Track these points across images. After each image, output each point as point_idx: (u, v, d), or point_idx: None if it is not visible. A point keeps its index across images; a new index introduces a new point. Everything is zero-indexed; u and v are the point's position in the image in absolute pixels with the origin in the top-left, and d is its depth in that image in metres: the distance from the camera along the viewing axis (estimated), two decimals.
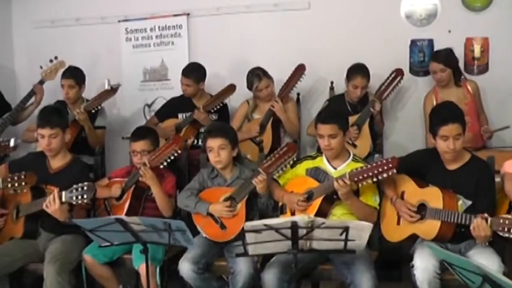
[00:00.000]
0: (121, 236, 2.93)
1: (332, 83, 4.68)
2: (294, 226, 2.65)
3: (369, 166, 3.13)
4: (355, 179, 3.12)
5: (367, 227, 2.71)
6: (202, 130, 4.42)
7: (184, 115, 4.52)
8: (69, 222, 3.37)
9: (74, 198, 3.17)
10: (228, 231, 3.32)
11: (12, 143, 3.85)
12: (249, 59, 4.82)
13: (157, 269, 3.28)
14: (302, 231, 2.70)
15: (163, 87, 5.08)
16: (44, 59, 4.89)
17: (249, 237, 2.68)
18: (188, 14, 4.98)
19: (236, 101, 4.62)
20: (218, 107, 4.34)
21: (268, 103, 4.37)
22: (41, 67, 4.75)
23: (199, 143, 4.44)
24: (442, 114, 3.14)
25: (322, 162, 3.41)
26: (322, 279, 3.33)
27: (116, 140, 5.01)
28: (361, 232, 2.72)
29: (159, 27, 5.03)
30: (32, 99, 4.68)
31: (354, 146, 4.17)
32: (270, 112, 4.28)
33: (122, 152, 4.78)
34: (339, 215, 3.28)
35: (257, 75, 4.28)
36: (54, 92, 4.86)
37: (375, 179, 3.12)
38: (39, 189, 3.51)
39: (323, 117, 3.34)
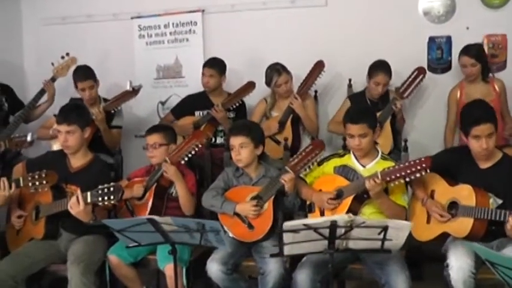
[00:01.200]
0: (150, 236, 2.86)
1: (350, 80, 4.62)
2: (333, 226, 2.59)
3: (401, 166, 3.09)
4: (387, 178, 3.08)
5: (406, 226, 2.67)
6: (220, 128, 4.35)
7: (201, 113, 4.45)
8: (93, 223, 3.31)
9: (100, 199, 3.10)
10: (255, 231, 3.26)
11: (29, 138, 3.80)
12: (264, 56, 4.74)
13: (184, 270, 3.21)
14: (340, 231, 2.64)
15: (178, 85, 5.00)
16: (54, 57, 4.81)
17: (287, 237, 2.63)
18: (203, 11, 4.90)
19: (252, 99, 4.54)
20: (237, 104, 4.26)
21: (286, 100, 4.31)
22: (53, 64, 4.67)
23: (217, 141, 4.38)
24: (474, 114, 3.10)
25: (351, 160, 3.36)
26: (351, 278, 3.27)
27: (129, 139, 4.92)
28: (399, 232, 2.67)
29: (173, 24, 4.95)
30: (45, 98, 4.59)
31: (375, 143, 4.10)
32: (289, 109, 4.21)
33: (135, 151, 4.69)
34: (368, 214, 3.24)
35: (277, 70, 4.22)
36: (65, 89, 4.79)
37: (407, 179, 3.10)
38: (59, 188, 3.44)
39: (353, 116, 3.28)
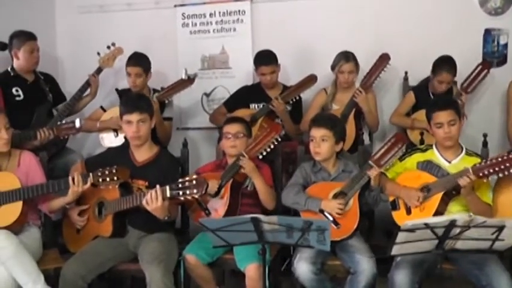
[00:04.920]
0: (244, 235, 2.70)
1: (406, 73, 4.50)
2: (450, 225, 2.46)
3: (493, 161, 2.97)
4: (480, 174, 2.97)
5: None
6: (277, 121, 4.19)
7: (256, 105, 4.28)
8: (168, 219, 3.14)
9: (181, 193, 2.92)
10: (342, 228, 3.11)
11: (77, 124, 3.66)
12: (315, 47, 4.63)
13: (267, 270, 3.05)
14: (455, 230, 2.51)
15: (224, 76, 4.81)
16: (90, 46, 4.65)
17: (401, 236, 2.49)
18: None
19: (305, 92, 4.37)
20: (297, 98, 4.11)
21: (347, 93, 4.16)
22: (99, 54, 4.46)
23: None
24: None
25: (434, 155, 3.24)
26: (442, 279, 3.14)
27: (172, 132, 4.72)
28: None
29: (219, 13, 4.76)
30: (88, 91, 4.41)
31: None
32: (352, 102, 4.05)
33: (178, 144, 4.51)
34: (455, 211, 3.12)
35: (346, 55, 4.08)
36: (106, 80, 4.63)
37: (500, 174, 2.97)
38: (125, 184, 3.25)
39: (440, 103, 3.19)
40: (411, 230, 2.44)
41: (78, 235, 3.41)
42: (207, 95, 4.83)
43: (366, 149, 3.68)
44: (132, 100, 3.36)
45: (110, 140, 4.11)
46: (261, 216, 2.59)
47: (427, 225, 2.44)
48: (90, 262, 3.12)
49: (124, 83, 4.65)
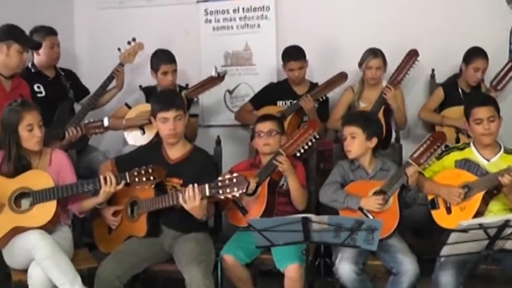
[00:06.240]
0: (289, 235, 2.65)
1: (433, 70, 4.46)
2: (504, 225, 2.42)
3: None
4: None
5: None
6: (305, 119, 4.15)
7: (283, 102, 4.23)
8: (206, 219, 3.09)
9: (221, 192, 2.87)
10: (382, 227, 3.05)
11: (106, 123, 3.62)
12: (340, 43, 4.57)
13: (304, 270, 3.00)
14: (507, 231, 2.47)
15: (248, 73, 4.74)
16: (109, 42, 4.61)
17: (454, 236, 2.44)
18: None
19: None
20: (327, 95, 4.07)
21: (374, 91, 4.12)
22: (119, 49, 4.40)
23: None
24: None
25: (472, 154, 3.21)
26: (486, 279, 3.10)
27: None
28: None
29: (243, 9, 4.69)
30: (113, 84, 4.33)
31: (469, 136, 3.95)
32: (381, 99, 4.00)
33: (200, 142, 4.45)
34: (495, 211, 3.11)
35: (374, 51, 4.04)
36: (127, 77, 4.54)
37: None
38: (159, 182, 3.19)
39: (479, 99, 3.18)
40: (465, 230, 2.39)
41: (109, 235, 3.36)
42: (230, 92, 4.76)
43: (400, 146, 3.62)
44: (167, 97, 3.30)
45: (136, 138, 4.04)
46: (312, 216, 2.55)
47: (481, 226, 2.39)
48: (126, 262, 3.06)
49: (143, 80, 4.61)
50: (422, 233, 3.69)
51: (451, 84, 4.24)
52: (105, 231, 3.37)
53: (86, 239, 3.55)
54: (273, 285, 3.29)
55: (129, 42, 4.42)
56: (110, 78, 4.30)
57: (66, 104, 4.15)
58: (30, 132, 3.09)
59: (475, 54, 4.05)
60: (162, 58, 4.08)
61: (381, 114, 4.02)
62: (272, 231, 2.62)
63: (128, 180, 3.06)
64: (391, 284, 2.97)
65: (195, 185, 2.93)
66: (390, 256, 3.00)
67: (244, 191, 2.84)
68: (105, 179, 3.07)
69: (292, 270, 2.97)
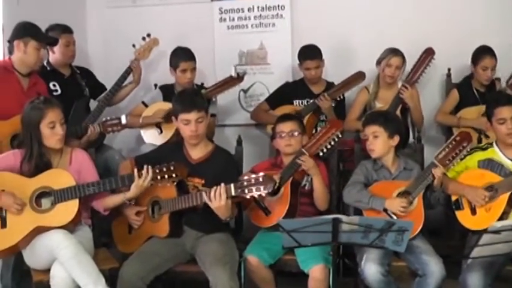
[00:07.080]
0: (317, 236, 2.63)
1: (449, 69, 4.46)
2: None
3: None
4: None
5: None
6: (322, 118, 4.13)
7: (300, 102, 4.22)
8: (229, 219, 3.07)
9: (247, 191, 2.85)
10: None
11: (123, 120, 3.60)
12: (356, 43, 4.57)
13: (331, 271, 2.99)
14: None
15: (262, 72, 4.72)
16: (121, 41, 4.59)
17: (486, 238, 2.43)
18: None
19: None
20: (344, 95, 4.05)
21: (389, 91, 4.11)
22: (134, 46, 4.37)
23: None
24: None
25: (495, 154, 3.20)
26: (507, 280, 3.10)
27: None
28: None
29: (258, 8, 4.68)
30: (129, 79, 4.30)
31: (486, 136, 3.96)
32: (398, 99, 3.98)
33: (215, 141, 4.43)
34: None
35: (394, 50, 4.02)
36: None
37: None
38: (180, 182, 3.17)
39: (503, 99, 3.18)
40: (498, 231, 2.38)
41: (129, 235, 3.33)
42: (245, 91, 4.74)
43: (421, 146, 3.62)
44: (189, 98, 3.25)
45: (153, 137, 4.02)
46: (343, 217, 2.53)
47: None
48: (149, 263, 3.03)
49: (156, 77, 4.59)
50: (439, 234, 3.69)
51: (465, 85, 4.23)
52: (125, 231, 3.35)
53: (103, 239, 3.52)
54: (292, 286, 3.27)
55: (143, 38, 4.38)
56: (125, 74, 4.25)
57: (81, 102, 4.12)
58: (52, 129, 3.06)
59: (481, 53, 4.06)
60: (182, 56, 4.06)
61: (398, 114, 4.00)
62: (302, 232, 2.60)
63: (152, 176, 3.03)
64: (417, 285, 2.95)
65: (222, 184, 2.91)
66: (415, 257, 2.98)
67: (270, 190, 2.82)
68: (139, 171, 3.02)
69: (317, 271, 2.95)
